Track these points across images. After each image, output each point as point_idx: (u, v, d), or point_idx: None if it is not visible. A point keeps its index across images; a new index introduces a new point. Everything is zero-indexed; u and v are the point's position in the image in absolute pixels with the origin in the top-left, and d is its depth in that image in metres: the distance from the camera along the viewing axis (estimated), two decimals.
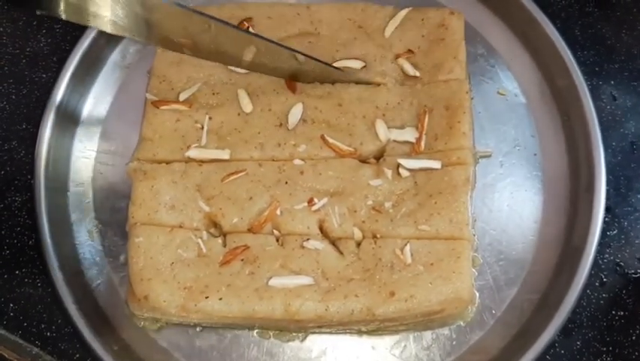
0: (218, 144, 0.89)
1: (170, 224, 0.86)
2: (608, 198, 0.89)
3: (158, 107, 0.91)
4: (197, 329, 0.88)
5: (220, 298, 0.82)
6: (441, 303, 0.82)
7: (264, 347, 0.87)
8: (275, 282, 0.83)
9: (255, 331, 0.88)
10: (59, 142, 0.94)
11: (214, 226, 0.88)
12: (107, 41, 0.98)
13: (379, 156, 0.89)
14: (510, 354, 0.84)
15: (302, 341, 0.87)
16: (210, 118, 0.90)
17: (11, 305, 0.88)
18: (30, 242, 0.90)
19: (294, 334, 0.87)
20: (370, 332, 0.87)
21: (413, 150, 0.88)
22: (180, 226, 0.87)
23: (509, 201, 0.91)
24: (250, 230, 0.86)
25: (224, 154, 0.89)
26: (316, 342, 0.87)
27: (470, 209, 0.87)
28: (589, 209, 0.87)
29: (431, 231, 0.84)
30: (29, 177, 0.92)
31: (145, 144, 0.90)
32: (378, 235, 0.85)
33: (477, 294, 0.88)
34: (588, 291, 0.86)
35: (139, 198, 0.87)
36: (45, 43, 0.99)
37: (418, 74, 0.91)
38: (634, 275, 0.88)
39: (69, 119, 0.95)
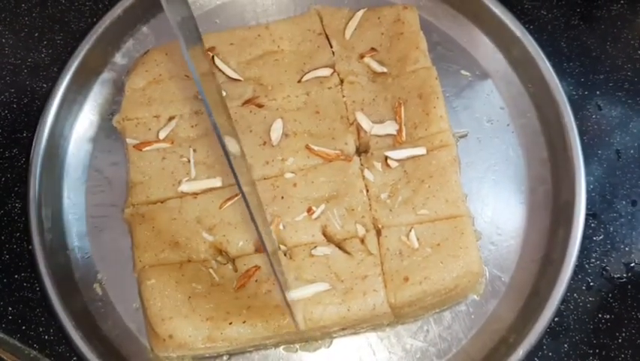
0: (209, 174, 0.90)
1: (178, 260, 0.87)
2: (594, 205, 0.93)
3: (141, 150, 0.91)
4: (225, 358, 0.88)
5: (244, 322, 0.83)
6: (454, 280, 0.84)
7: None
8: (293, 295, 0.84)
9: (282, 347, 0.88)
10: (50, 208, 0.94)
11: (220, 253, 0.88)
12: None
13: (366, 150, 0.92)
14: (527, 316, 0.87)
15: (328, 346, 0.89)
16: (195, 150, 0.91)
17: (10, 309, 0.90)
18: (29, 247, 0.91)
19: (319, 342, 0.89)
20: (391, 324, 0.89)
21: (396, 141, 0.91)
22: (189, 261, 0.87)
23: (493, 174, 0.95)
24: (257, 250, 0.87)
25: (216, 182, 0.90)
26: (343, 345, 0.89)
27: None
28: (569, 162, 0.90)
29: (430, 214, 0.87)
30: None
31: (136, 188, 0.90)
32: (380, 226, 0.87)
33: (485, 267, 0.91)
34: (575, 295, 0.89)
35: (142, 242, 0.87)
36: (46, 54, 1.02)
37: (385, 69, 0.94)
38: (619, 279, 0.90)
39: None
